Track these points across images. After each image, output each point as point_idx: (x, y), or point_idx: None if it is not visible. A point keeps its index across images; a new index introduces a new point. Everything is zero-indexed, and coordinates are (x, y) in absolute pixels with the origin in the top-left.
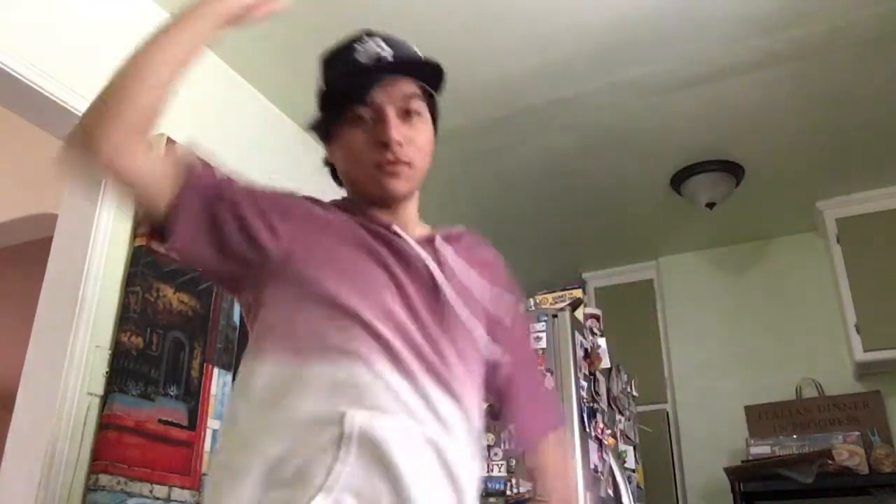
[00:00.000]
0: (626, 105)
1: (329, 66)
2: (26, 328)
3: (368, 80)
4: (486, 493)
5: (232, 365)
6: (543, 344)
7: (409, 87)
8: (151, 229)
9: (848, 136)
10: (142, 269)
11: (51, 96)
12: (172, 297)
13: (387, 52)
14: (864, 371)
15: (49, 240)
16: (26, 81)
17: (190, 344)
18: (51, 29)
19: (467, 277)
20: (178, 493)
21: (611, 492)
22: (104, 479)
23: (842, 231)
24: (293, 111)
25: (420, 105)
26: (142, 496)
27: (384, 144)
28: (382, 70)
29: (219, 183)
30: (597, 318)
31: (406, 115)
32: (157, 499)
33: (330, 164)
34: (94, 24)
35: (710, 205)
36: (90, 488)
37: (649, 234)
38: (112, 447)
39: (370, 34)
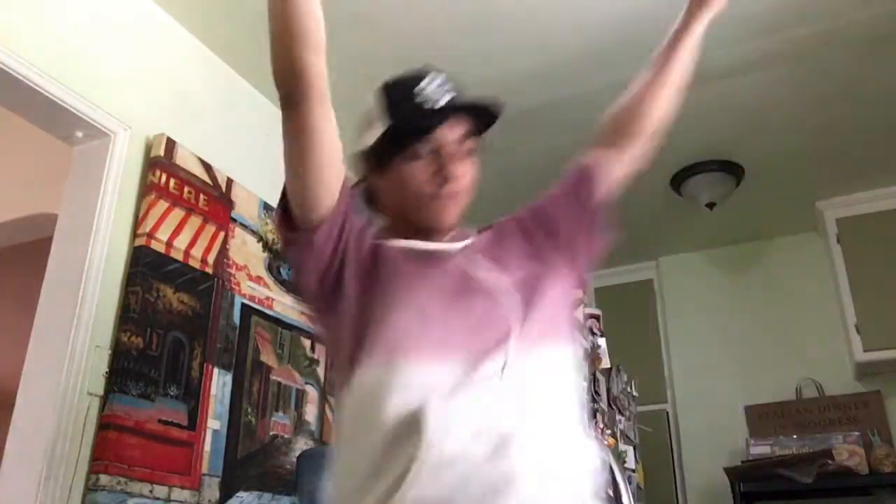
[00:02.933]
0: None
1: (392, 101)
2: (26, 328)
3: (436, 119)
4: None
5: (232, 365)
6: None
7: (470, 126)
8: (285, 209)
9: (848, 136)
10: (142, 269)
11: (51, 96)
12: (172, 297)
13: (450, 93)
14: (864, 371)
15: (49, 240)
16: (26, 81)
17: (190, 344)
18: (51, 29)
19: (506, 252)
20: (178, 493)
21: (611, 492)
22: (104, 479)
23: (842, 231)
24: None
25: (475, 143)
26: (142, 496)
27: (445, 178)
28: (449, 111)
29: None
30: (597, 318)
31: (465, 153)
32: (157, 499)
33: (366, 192)
34: (94, 24)
35: (710, 205)
36: (90, 488)
37: (649, 234)
38: (112, 447)
39: (431, 71)
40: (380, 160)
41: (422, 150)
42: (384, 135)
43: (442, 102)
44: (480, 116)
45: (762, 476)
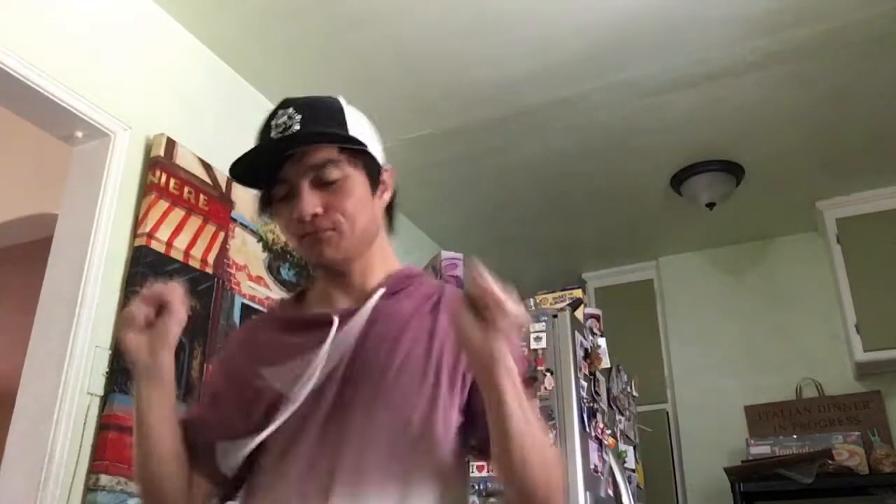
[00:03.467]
0: (626, 105)
1: (247, 153)
2: (26, 328)
3: (276, 156)
4: (486, 493)
5: None
6: (543, 344)
7: (320, 155)
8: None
9: (848, 136)
10: (142, 269)
11: (51, 96)
12: None
13: (294, 122)
14: (864, 371)
15: (49, 240)
16: (26, 81)
17: (190, 344)
18: (51, 29)
19: (399, 347)
20: None
21: (611, 492)
22: (104, 479)
23: (842, 231)
24: None
25: (338, 170)
26: None
27: (300, 220)
28: (286, 144)
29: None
30: (597, 318)
31: (323, 184)
32: None
33: None
34: (94, 24)
35: (710, 205)
36: (90, 488)
37: (649, 234)
38: (112, 447)
39: (285, 104)
40: (263, 206)
41: (277, 193)
42: (234, 178)
43: (287, 133)
44: (334, 141)
45: (762, 476)
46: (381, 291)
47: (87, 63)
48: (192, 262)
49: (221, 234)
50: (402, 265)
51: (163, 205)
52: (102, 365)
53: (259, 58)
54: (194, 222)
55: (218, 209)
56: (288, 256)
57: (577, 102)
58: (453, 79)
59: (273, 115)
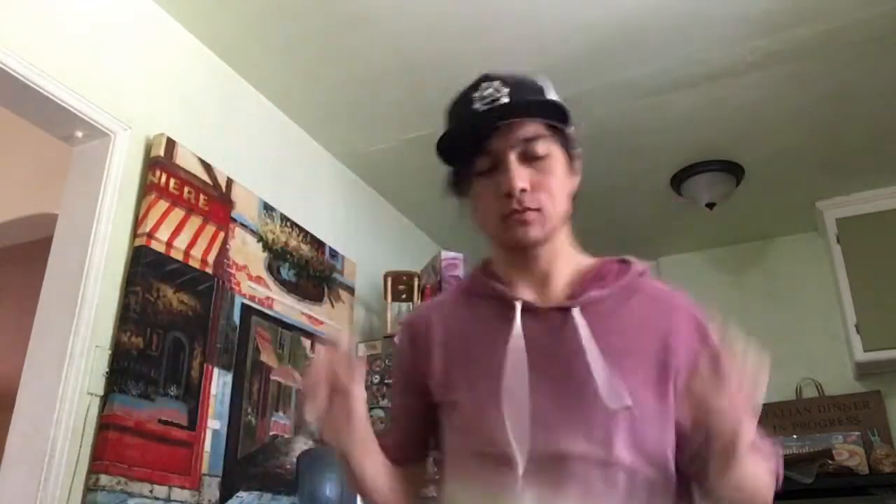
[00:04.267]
0: (626, 105)
1: (449, 118)
2: (26, 328)
3: (484, 128)
4: None
5: (232, 365)
6: None
7: (529, 128)
8: None
9: (848, 136)
10: (142, 269)
11: (51, 96)
12: (172, 297)
13: (502, 95)
14: (864, 371)
15: (49, 240)
16: (26, 81)
17: (190, 344)
18: (51, 29)
19: (614, 344)
20: (178, 493)
21: None
22: (104, 479)
23: (842, 231)
24: (293, 111)
25: (545, 146)
26: (142, 496)
27: (507, 194)
28: (498, 115)
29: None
30: None
31: (530, 159)
32: (157, 499)
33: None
34: (94, 24)
35: (710, 205)
36: (90, 488)
37: (649, 234)
38: (112, 447)
39: (488, 78)
40: (455, 184)
41: (485, 165)
42: (444, 156)
43: (496, 105)
44: (544, 112)
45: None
46: (587, 295)
47: (87, 63)
48: (192, 262)
49: (221, 234)
50: (586, 257)
51: (163, 205)
52: (102, 365)
53: (259, 58)
54: (194, 222)
55: (218, 209)
56: (288, 256)
57: (577, 102)
58: (453, 79)
59: (475, 87)
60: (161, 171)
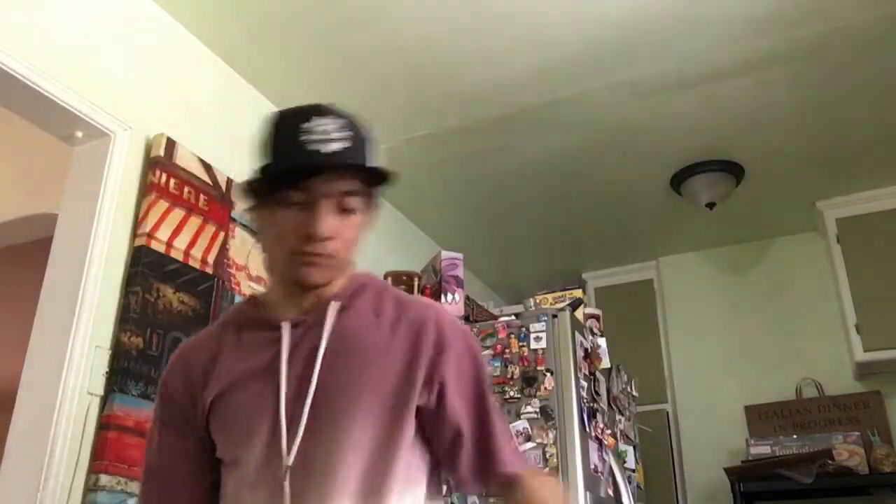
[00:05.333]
0: (626, 105)
1: (275, 136)
2: (26, 328)
3: (310, 168)
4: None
5: None
6: (543, 344)
7: (349, 183)
8: None
9: (848, 136)
10: (142, 269)
11: (51, 96)
12: (172, 297)
13: (333, 140)
14: (864, 371)
15: (49, 240)
16: (26, 81)
17: None
18: (51, 29)
19: (357, 360)
20: None
21: (611, 492)
22: (104, 479)
23: (842, 231)
24: None
25: (357, 202)
26: None
27: (310, 236)
28: (326, 161)
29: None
30: (597, 318)
31: (341, 210)
32: None
33: (253, 220)
34: (94, 24)
35: (710, 205)
36: (90, 488)
37: (649, 234)
38: (112, 447)
39: (319, 111)
40: (256, 196)
41: (293, 198)
42: (262, 170)
43: (330, 149)
44: (371, 176)
45: (762, 476)
46: (336, 305)
47: (88, 63)
48: (192, 262)
49: (221, 234)
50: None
51: (163, 205)
52: (102, 365)
53: (259, 58)
54: (194, 222)
55: (218, 209)
56: None
57: (577, 102)
58: (453, 79)
59: (306, 117)
60: (161, 171)
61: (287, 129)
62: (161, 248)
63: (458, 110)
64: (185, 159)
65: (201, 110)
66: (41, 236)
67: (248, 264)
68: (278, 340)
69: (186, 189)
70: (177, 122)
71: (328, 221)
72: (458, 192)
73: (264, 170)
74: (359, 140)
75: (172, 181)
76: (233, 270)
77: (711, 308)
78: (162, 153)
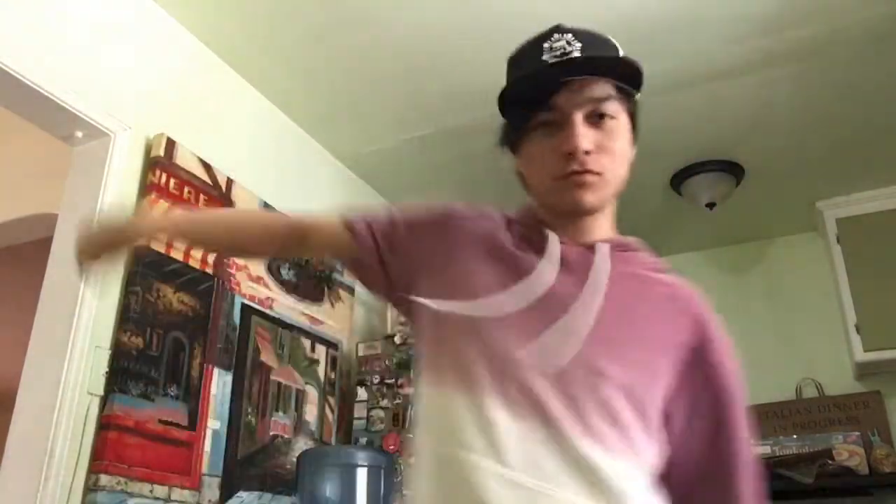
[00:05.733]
0: None
1: (514, 67)
2: (26, 328)
3: (553, 81)
4: None
5: (232, 365)
6: None
7: (600, 88)
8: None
9: (848, 136)
10: (142, 269)
11: (51, 96)
12: (172, 297)
13: (574, 49)
14: (864, 371)
15: (49, 240)
16: (26, 81)
17: (190, 344)
18: (51, 29)
19: (639, 309)
20: (178, 493)
21: None
22: (104, 479)
23: (842, 231)
24: (293, 111)
25: (614, 107)
26: (142, 496)
27: (569, 154)
28: (568, 70)
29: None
30: None
31: (597, 119)
32: (157, 499)
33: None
34: (94, 24)
35: (710, 205)
36: (90, 488)
37: (649, 234)
38: (112, 447)
39: (559, 29)
40: (510, 136)
41: (548, 120)
42: (502, 105)
43: (569, 57)
44: (616, 73)
45: (762, 476)
46: (608, 246)
47: (88, 63)
48: (192, 262)
49: None
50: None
51: (163, 205)
52: (102, 365)
53: (259, 58)
54: None
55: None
56: None
57: None
58: (453, 79)
59: (545, 37)
60: (161, 171)
61: (526, 54)
62: (161, 248)
63: (457, 110)
64: (185, 159)
65: (201, 110)
66: (41, 236)
67: (248, 264)
68: (550, 256)
69: (186, 189)
70: (177, 122)
71: (585, 134)
72: (458, 193)
73: (507, 103)
74: (598, 45)
75: (172, 181)
76: (233, 270)
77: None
78: (162, 153)
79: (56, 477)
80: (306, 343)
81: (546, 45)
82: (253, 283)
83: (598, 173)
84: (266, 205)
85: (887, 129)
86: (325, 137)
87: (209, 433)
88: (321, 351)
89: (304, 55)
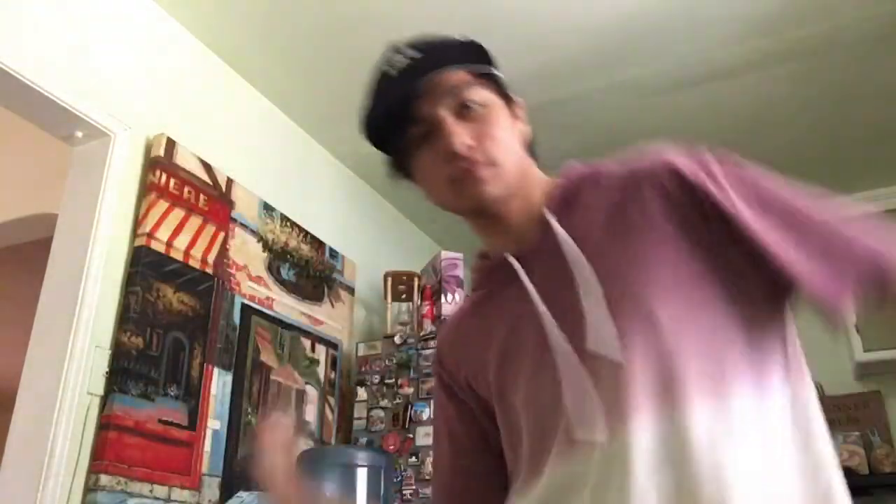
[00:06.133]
0: (626, 105)
1: (370, 102)
2: (26, 328)
3: (404, 92)
4: None
5: (232, 365)
6: None
7: (453, 77)
8: None
9: (848, 135)
10: (142, 269)
11: (51, 96)
12: (172, 297)
13: (415, 55)
14: (864, 371)
15: (49, 240)
16: (26, 81)
17: (190, 344)
18: (51, 29)
19: (615, 239)
20: (178, 494)
21: None
22: (104, 479)
23: None
24: (293, 111)
25: (478, 93)
26: (142, 496)
27: (452, 154)
28: (413, 72)
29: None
30: None
31: (466, 112)
32: (157, 499)
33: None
34: (94, 24)
35: None
36: (90, 488)
37: None
38: (112, 447)
39: (394, 48)
40: (398, 165)
41: (412, 135)
42: (376, 144)
43: (402, 69)
44: (464, 58)
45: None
46: (550, 214)
47: (88, 63)
48: (192, 262)
49: (221, 234)
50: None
51: (163, 205)
52: (102, 365)
53: (259, 58)
54: (194, 222)
55: (218, 209)
56: (288, 256)
57: (577, 102)
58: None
59: (382, 61)
60: (161, 171)
61: (373, 83)
62: (161, 248)
63: None
64: (185, 159)
65: (201, 110)
66: (41, 236)
67: (248, 264)
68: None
69: (186, 189)
70: (177, 122)
71: (456, 129)
72: None
73: (378, 138)
74: (438, 42)
75: (172, 181)
76: (233, 270)
77: None
78: (162, 153)
79: (56, 477)
80: (306, 343)
81: (385, 68)
82: (253, 283)
83: (490, 164)
84: (266, 205)
85: (887, 130)
86: (325, 137)
87: (209, 433)
88: (321, 351)
89: (304, 55)
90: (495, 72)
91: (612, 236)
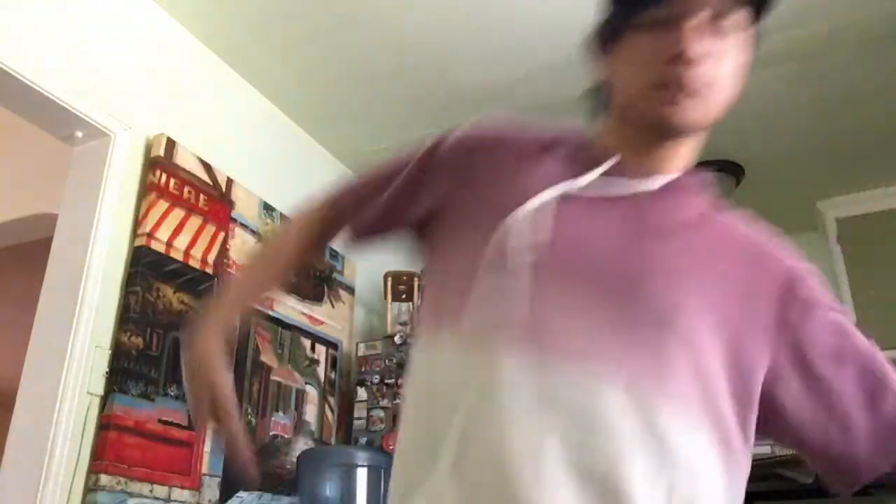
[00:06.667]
0: None
1: None
2: (26, 328)
3: None
4: None
5: (232, 365)
6: None
7: (731, 2)
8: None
9: (848, 136)
10: (142, 269)
11: (51, 96)
12: (172, 297)
13: None
14: None
15: (49, 240)
16: (26, 81)
17: None
18: (51, 29)
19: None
20: (178, 493)
21: None
22: (104, 479)
23: (842, 231)
24: (293, 111)
25: (739, 20)
26: (142, 496)
27: (677, 57)
28: None
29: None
30: None
31: (715, 31)
32: (157, 499)
33: (597, 90)
34: (93, 24)
35: None
36: (90, 488)
37: None
38: (112, 447)
39: None
40: (606, 34)
41: (652, 16)
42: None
43: None
44: None
45: (762, 476)
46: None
47: (87, 63)
48: (192, 262)
49: (221, 234)
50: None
51: (163, 205)
52: (102, 365)
53: (259, 57)
54: (194, 222)
55: (218, 209)
56: None
57: (578, 102)
58: (453, 78)
59: None
60: (161, 171)
61: None
62: (161, 248)
63: (458, 110)
64: (185, 159)
65: (201, 110)
66: (41, 236)
67: None
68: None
69: (186, 189)
70: (177, 122)
71: (699, 38)
72: None
73: None
74: None
75: (172, 181)
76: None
77: None
78: (162, 153)
79: (56, 477)
80: (306, 343)
81: None
82: None
83: (705, 85)
84: (266, 205)
85: (888, 129)
86: (325, 137)
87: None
88: (321, 351)
89: (303, 55)
90: (757, 27)
91: (699, 297)
